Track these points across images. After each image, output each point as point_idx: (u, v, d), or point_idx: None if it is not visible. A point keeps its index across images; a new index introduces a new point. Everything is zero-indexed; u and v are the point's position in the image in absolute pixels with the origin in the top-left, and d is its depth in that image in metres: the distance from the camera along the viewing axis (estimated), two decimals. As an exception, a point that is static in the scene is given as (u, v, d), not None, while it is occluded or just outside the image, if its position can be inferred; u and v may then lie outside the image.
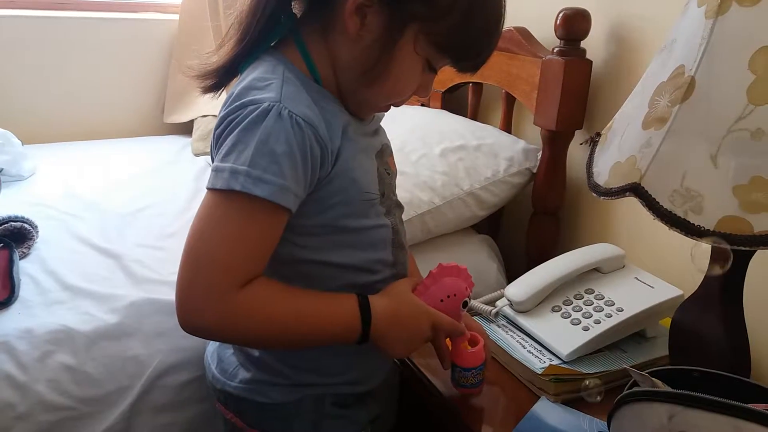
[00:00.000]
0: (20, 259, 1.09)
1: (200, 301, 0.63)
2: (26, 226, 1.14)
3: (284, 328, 0.69)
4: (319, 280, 0.75)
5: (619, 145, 0.76)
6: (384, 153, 0.82)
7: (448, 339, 0.85)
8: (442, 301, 0.80)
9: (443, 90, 1.60)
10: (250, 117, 0.64)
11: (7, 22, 1.76)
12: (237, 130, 0.64)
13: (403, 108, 1.57)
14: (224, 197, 0.64)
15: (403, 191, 1.19)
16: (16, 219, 1.14)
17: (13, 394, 0.86)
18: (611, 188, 0.74)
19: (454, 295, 0.81)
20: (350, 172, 0.72)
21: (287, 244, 0.72)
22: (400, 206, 0.85)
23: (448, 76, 1.56)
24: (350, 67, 0.71)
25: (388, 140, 0.86)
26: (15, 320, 0.93)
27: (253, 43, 0.72)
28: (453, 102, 1.62)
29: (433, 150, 1.30)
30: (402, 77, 0.72)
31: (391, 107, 0.79)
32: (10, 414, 0.86)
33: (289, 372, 0.78)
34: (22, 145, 1.57)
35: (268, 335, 0.69)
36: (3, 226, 1.12)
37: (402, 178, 1.22)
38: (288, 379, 0.78)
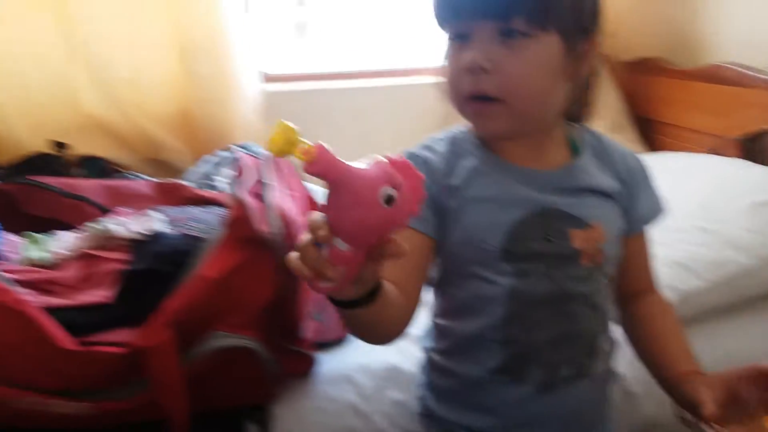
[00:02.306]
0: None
1: None
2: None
3: None
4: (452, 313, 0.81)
5: None
6: (555, 218, 0.75)
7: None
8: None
9: (742, 138, 1.48)
10: None
11: (313, 95, 1.92)
12: None
13: (695, 157, 1.47)
14: None
15: (710, 251, 1.13)
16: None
17: (357, 421, 0.99)
18: None
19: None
20: (468, 215, 0.74)
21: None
22: (559, 288, 0.75)
23: (744, 122, 1.46)
24: None
25: (591, 211, 0.76)
26: (353, 356, 1.07)
27: None
28: (754, 152, 1.50)
29: (739, 204, 1.22)
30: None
31: (476, 108, 0.72)
32: (352, 439, 0.98)
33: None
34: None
35: None
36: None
37: (706, 236, 1.17)
38: None
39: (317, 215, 0.51)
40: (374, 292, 0.59)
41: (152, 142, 1.60)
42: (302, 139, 0.49)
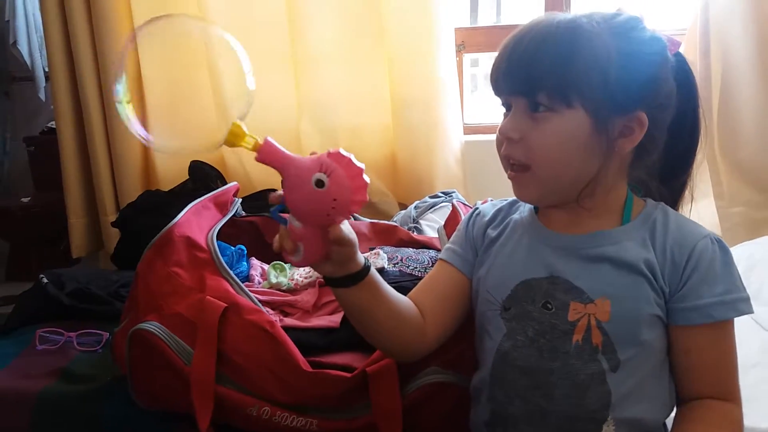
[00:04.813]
0: None
1: None
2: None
3: None
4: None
5: None
6: (560, 286, 0.74)
7: None
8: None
9: None
10: None
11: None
12: None
13: None
14: None
15: None
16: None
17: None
18: None
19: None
20: (487, 265, 0.80)
21: None
22: (540, 359, 0.73)
23: None
24: None
25: (601, 286, 0.72)
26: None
27: None
28: None
29: None
30: None
31: (510, 173, 0.76)
32: None
33: None
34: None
35: None
36: None
37: None
38: None
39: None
40: (355, 278, 0.70)
41: (364, 185, 1.73)
42: (250, 134, 0.64)
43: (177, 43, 1.69)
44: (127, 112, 0.67)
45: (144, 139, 0.69)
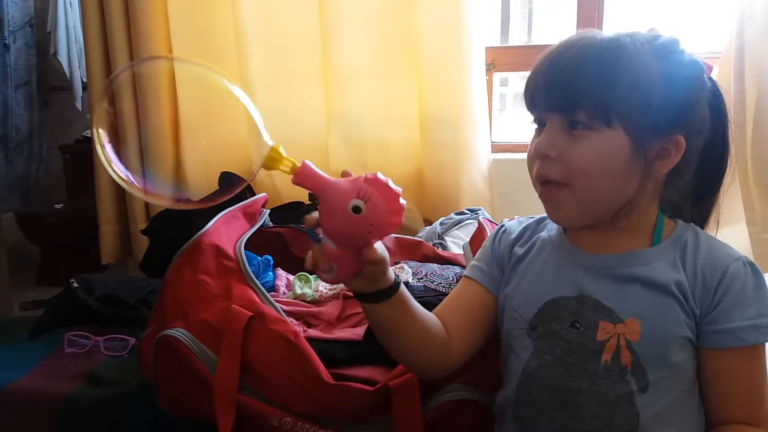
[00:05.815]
0: None
1: None
2: None
3: None
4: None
5: None
6: (589, 306, 0.73)
7: None
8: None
9: None
10: None
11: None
12: None
13: None
14: None
15: None
16: None
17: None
18: None
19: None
20: (513, 283, 0.79)
21: None
22: (568, 378, 0.72)
23: None
24: None
25: (631, 306, 0.71)
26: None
27: None
28: None
29: None
30: None
31: (544, 193, 0.75)
32: None
33: None
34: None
35: None
36: None
37: None
38: None
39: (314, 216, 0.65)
40: (386, 294, 0.70)
41: (389, 200, 1.74)
42: (287, 157, 0.64)
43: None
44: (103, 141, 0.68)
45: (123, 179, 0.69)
